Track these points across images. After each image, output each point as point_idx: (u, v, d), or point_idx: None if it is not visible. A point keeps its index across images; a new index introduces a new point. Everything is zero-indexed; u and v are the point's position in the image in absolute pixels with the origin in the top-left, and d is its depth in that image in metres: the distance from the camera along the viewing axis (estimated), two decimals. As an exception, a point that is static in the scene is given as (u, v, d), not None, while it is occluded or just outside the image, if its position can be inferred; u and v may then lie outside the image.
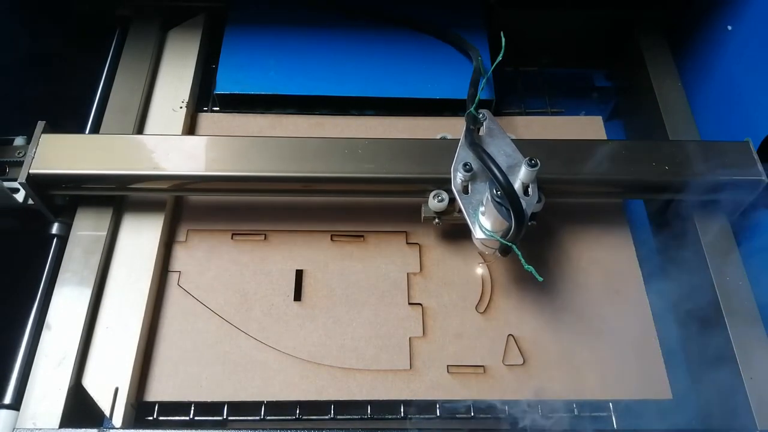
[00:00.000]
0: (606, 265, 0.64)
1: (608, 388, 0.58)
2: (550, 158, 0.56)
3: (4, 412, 0.54)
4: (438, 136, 0.67)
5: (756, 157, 0.62)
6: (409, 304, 0.61)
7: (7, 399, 0.55)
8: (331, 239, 0.65)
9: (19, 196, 0.62)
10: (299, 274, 0.62)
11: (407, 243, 0.65)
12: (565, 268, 0.64)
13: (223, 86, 0.73)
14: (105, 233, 0.61)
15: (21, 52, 0.74)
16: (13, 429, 0.51)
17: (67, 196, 0.62)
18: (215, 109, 0.75)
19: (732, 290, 0.60)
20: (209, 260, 0.63)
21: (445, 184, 0.59)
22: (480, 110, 0.60)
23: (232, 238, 0.64)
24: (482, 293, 0.62)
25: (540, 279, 0.52)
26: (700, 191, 0.62)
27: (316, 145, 0.61)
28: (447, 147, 0.60)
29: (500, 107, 0.77)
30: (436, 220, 0.61)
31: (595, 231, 0.66)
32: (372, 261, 0.63)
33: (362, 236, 0.65)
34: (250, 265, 0.63)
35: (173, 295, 0.61)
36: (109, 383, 0.54)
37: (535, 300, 0.62)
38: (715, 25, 0.73)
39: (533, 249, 0.65)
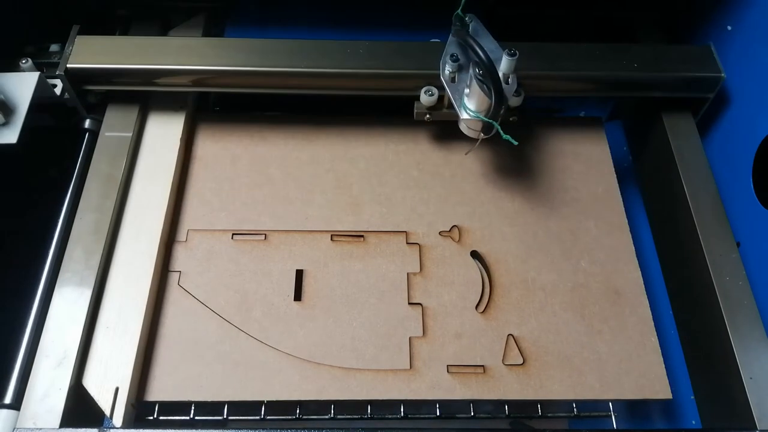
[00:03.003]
0: (606, 265, 0.64)
1: (608, 388, 0.58)
2: (528, 57, 0.61)
3: (4, 411, 0.54)
4: (430, 41, 0.70)
5: (716, 57, 0.69)
6: (409, 304, 0.61)
7: (8, 399, 0.55)
8: (331, 239, 0.65)
9: (57, 91, 0.69)
10: (299, 274, 0.62)
11: (407, 243, 0.65)
12: (565, 267, 0.64)
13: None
14: (131, 134, 0.67)
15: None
16: (14, 429, 0.51)
17: (98, 93, 0.69)
18: (215, 108, 0.75)
19: (732, 290, 0.60)
20: (209, 260, 0.63)
21: (435, 80, 0.64)
22: (466, 14, 0.64)
23: (232, 238, 0.64)
24: (482, 293, 0.62)
25: (515, 143, 0.59)
26: (666, 87, 0.69)
27: (320, 45, 0.68)
28: (438, 48, 0.65)
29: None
30: (427, 116, 0.67)
31: (594, 231, 0.66)
32: (372, 261, 0.63)
33: (362, 236, 0.65)
34: (250, 265, 0.63)
35: (173, 295, 0.61)
36: (109, 383, 0.54)
37: (535, 300, 0.62)
38: (715, 25, 0.73)
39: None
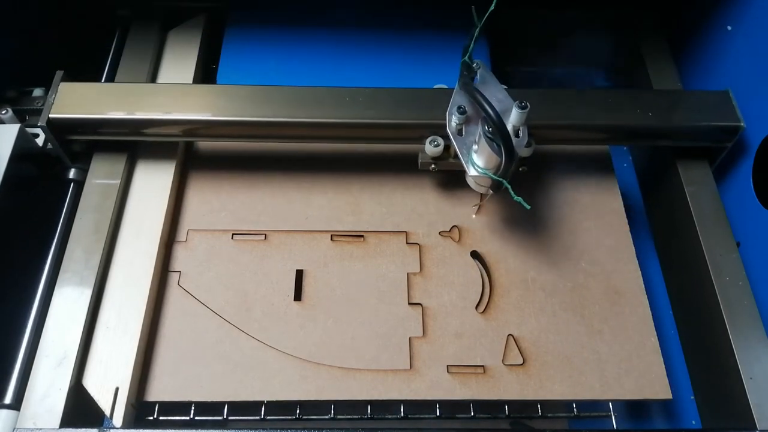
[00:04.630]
0: (606, 265, 0.64)
1: (608, 388, 0.58)
2: (538, 105, 0.59)
3: (4, 412, 0.54)
4: (435, 86, 0.68)
5: (735, 104, 0.66)
6: (409, 304, 0.61)
7: (8, 399, 0.55)
8: (331, 239, 0.65)
9: (39, 141, 0.65)
10: (299, 274, 0.62)
11: (407, 243, 0.65)
12: (565, 267, 0.64)
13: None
14: (119, 182, 0.64)
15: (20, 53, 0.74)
16: (14, 429, 0.51)
17: (84, 142, 0.65)
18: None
19: (732, 290, 0.60)
20: (209, 260, 0.63)
21: (440, 130, 0.61)
22: (474, 60, 0.62)
23: (232, 238, 0.64)
24: (482, 293, 0.62)
25: (528, 207, 0.56)
26: (682, 137, 0.67)
27: (320, 93, 0.65)
28: (443, 96, 0.62)
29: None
30: (432, 166, 0.64)
31: (594, 231, 0.66)
32: (372, 261, 0.63)
33: (362, 236, 0.65)
34: (250, 265, 0.63)
35: (173, 295, 0.61)
36: (109, 383, 0.54)
37: (535, 300, 0.62)
38: (715, 25, 0.73)
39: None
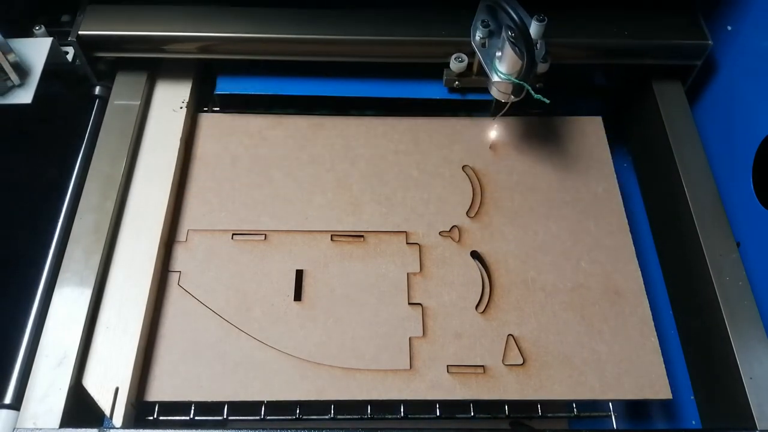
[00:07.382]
0: (606, 265, 0.64)
1: (608, 388, 0.58)
2: None
3: (4, 412, 0.54)
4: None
5: (704, 25, 0.72)
6: (409, 304, 0.61)
7: (8, 399, 0.55)
8: (331, 239, 0.65)
9: (69, 57, 0.72)
10: (299, 274, 0.62)
11: (407, 243, 0.65)
12: (565, 267, 0.64)
13: (224, 86, 0.73)
14: (139, 102, 0.69)
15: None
16: (14, 429, 0.51)
17: (108, 60, 0.71)
18: (216, 109, 0.75)
19: (732, 290, 0.60)
20: (209, 260, 0.63)
21: (465, 47, 0.67)
22: None
23: (232, 238, 0.64)
24: (482, 293, 0.62)
25: (547, 102, 0.60)
26: (656, 54, 0.73)
27: (346, 15, 0.69)
28: (467, 16, 0.66)
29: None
30: (456, 83, 0.70)
31: (594, 231, 0.66)
32: (372, 261, 0.63)
33: (362, 236, 0.65)
34: (250, 265, 0.63)
35: (173, 295, 0.61)
36: (109, 383, 0.54)
37: (535, 300, 0.62)
38: (715, 25, 0.73)
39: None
